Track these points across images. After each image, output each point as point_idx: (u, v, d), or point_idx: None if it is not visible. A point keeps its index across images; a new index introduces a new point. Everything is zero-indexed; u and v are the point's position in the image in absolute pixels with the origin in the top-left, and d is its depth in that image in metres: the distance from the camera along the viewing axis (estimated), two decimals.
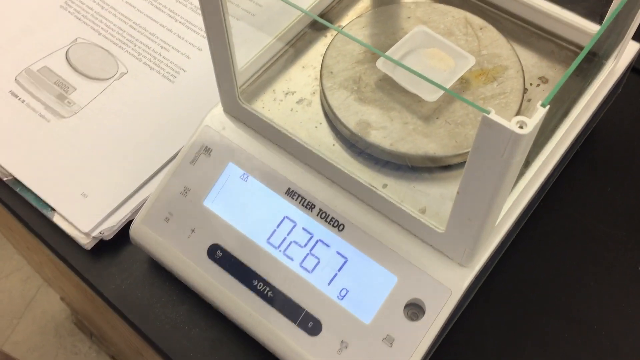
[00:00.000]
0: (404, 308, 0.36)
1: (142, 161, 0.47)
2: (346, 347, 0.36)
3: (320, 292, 0.37)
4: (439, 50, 0.39)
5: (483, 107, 0.26)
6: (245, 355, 0.40)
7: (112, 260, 0.44)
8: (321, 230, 0.38)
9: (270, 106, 0.41)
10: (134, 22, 0.55)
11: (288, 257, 0.38)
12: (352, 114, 0.38)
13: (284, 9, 0.31)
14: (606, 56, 0.41)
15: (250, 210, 0.39)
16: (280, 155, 0.39)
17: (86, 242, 0.44)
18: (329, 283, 0.37)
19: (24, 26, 0.55)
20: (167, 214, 0.41)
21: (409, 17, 0.43)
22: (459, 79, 0.38)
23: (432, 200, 0.37)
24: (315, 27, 0.44)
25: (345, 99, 0.39)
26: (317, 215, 0.38)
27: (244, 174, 0.40)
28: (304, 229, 0.38)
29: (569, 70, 0.27)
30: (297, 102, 0.41)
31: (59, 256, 0.45)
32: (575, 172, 0.47)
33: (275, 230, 0.39)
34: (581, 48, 0.42)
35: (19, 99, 0.51)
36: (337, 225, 0.38)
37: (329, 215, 0.38)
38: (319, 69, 0.41)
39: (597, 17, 0.41)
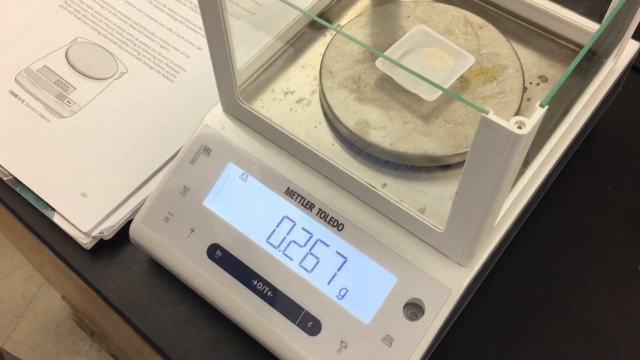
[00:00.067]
0: (404, 308, 0.36)
1: (141, 161, 0.47)
2: (345, 347, 0.36)
3: (320, 291, 0.37)
4: (439, 50, 0.39)
5: (483, 106, 0.26)
6: (245, 355, 0.40)
7: (112, 260, 0.44)
8: (320, 229, 0.38)
9: (269, 106, 0.41)
10: (133, 22, 0.55)
11: (287, 256, 0.38)
12: (352, 113, 0.38)
13: (283, 8, 0.31)
14: (606, 55, 0.41)
15: (250, 209, 0.39)
16: (280, 155, 0.39)
17: (86, 242, 0.44)
18: (329, 283, 0.37)
19: (23, 26, 0.55)
20: (167, 214, 0.41)
21: (408, 16, 0.43)
22: (459, 78, 0.38)
23: (432, 200, 0.37)
24: (315, 26, 0.44)
25: (344, 98, 0.39)
26: (317, 215, 0.38)
27: (243, 173, 0.40)
28: (303, 228, 0.38)
29: (569, 70, 0.27)
30: (296, 102, 0.41)
31: (58, 256, 0.45)
32: (575, 172, 0.47)
33: (274, 230, 0.39)
34: (581, 47, 0.42)
35: (19, 98, 0.51)
36: (336, 224, 0.38)
37: (328, 214, 0.38)
38: (319, 68, 0.41)
39: (597, 16, 0.41)
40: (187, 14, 0.56)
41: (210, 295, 0.39)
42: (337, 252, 0.37)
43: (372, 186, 0.36)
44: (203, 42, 0.54)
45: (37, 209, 0.45)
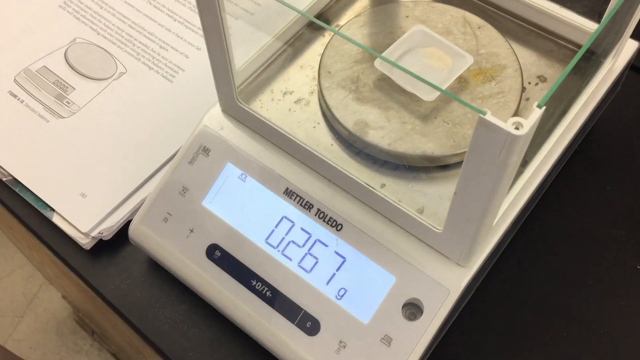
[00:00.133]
0: (402, 308, 0.36)
1: (140, 161, 0.47)
2: (344, 347, 0.36)
3: (319, 291, 0.37)
4: (437, 50, 0.39)
5: (481, 107, 0.26)
6: (244, 354, 0.40)
7: (111, 260, 0.44)
8: (319, 230, 0.38)
9: (268, 106, 0.41)
10: (132, 22, 0.55)
11: (286, 256, 0.38)
12: (350, 113, 0.38)
13: (282, 8, 0.31)
14: (605, 54, 0.41)
15: (249, 210, 0.39)
16: (279, 155, 0.39)
17: (85, 242, 0.44)
18: (327, 283, 0.37)
19: (22, 26, 0.55)
20: (166, 214, 0.41)
21: (407, 16, 0.43)
22: (457, 78, 0.38)
23: (430, 200, 0.37)
24: (314, 26, 0.44)
25: (343, 98, 0.39)
26: (316, 215, 0.38)
27: (242, 174, 0.40)
28: (302, 228, 0.38)
29: (567, 70, 0.27)
30: (295, 102, 0.41)
31: (58, 256, 0.45)
32: (574, 171, 0.47)
33: (273, 230, 0.39)
34: (580, 46, 0.42)
35: (18, 99, 0.51)
36: (335, 225, 0.38)
37: (327, 215, 0.38)
38: (317, 68, 0.41)
39: (596, 16, 0.41)
40: (186, 14, 0.56)
41: (209, 295, 0.40)
42: (336, 252, 0.37)
43: (370, 186, 0.36)
44: (202, 43, 0.54)
45: (36, 209, 0.46)
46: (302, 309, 0.37)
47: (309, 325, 0.37)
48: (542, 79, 0.41)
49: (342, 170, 0.37)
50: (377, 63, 0.39)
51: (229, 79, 0.38)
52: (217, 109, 0.42)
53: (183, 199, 0.41)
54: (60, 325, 1.17)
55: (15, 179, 0.47)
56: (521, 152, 0.27)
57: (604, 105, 0.44)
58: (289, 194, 0.39)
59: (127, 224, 0.44)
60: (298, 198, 0.38)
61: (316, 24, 0.44)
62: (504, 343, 0.40)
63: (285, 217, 0.39)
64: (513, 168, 0.28)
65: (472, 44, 0.41)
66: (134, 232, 0.42)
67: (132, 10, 0.56)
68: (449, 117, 0.38)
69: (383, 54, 0.39)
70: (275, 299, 0.38)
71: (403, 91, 0.38)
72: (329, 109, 0.39)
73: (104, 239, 0.44)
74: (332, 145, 0.39)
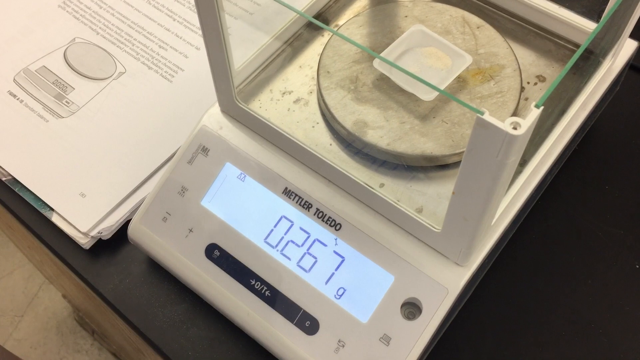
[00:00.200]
0: (401, 307, 0.36)
1: (140, 161, 0.47)
2: (343, 346, 0.36)
3: (318, 291, 0.37)
4: (436, 49, 0.39)
5: (480, 107, 0.26)
6: (243, 354, 0.40)
7: (111, 259, 0.44)
8: (318, 229, 0.38)
9: (267, 106, 0.41)
10: (132, 22, 0.55)
11: (285, 256, 0.38)
12: (349, 113, 0.38)
13: (281, 8, 0.31)
14: (603, 54, 0.41)
15: (248, 209, 0.39)
16: (278, 155, 0.39)
17: (85, 242, 0.44)
18: (326, 282, 0.37)
19: (22, 26, 0.55)
20: (165, 214, 0.41)
21: (406, 16, 0.43)
22: (456, 78, 0.38)
23: (429, 200, 0.37)
24: (313, 26, 0.44)
25: (342, 98, 0.39)
26: (314, 214, 0.38)
27: (241, 173, 0.40)
28: (301, 228, 0.38)
29: (565, 69, 0.27)
30: (294, 102, 0.41)
31: (57, 256, 0.45)
32: (574, 170, 0.47)
33: (272, 230, 0.39)
34: (579, 46, 0.42)
35: (18, 99, 0.51)
36: (334, 224, 0.38)
37: (326, 214, 0.38)
38: (316, 68, 0.41)
39: (595, 16, 0.41)
40: (186, 14, 0.56)
41: (209, 295, 0.40)
42: (335, 252, 0.37)
43: (369, 186, 0.36)
44: (201, 42, 0.54)
45: (35, 209, 0.46)
46: (301, 309, 0.37)
47: (308, 324, 0.37)
48: (541, 78, 0.41)
49: (341, 170, 0.37)
50: (376, 63, 0.39)
51: (228, 79, 0.38)
52: (216, 108, 0.42)
53: (182, 198, 0.41)
54: (60, 324, 1.18)
55: (14, 179, 0.47)
56: (519, 152, 0.27)
57: (603, 104, 0.44)
58: (288, 193, 0.39)
59: (126, 223, 0.45)
60: (297, 198, 0.38)
61: (315, 24, 0.44)
62: (502, 342, 0.40)
63: (284, 217, 0.39)
64: (511, 167, 0.28)
65: (471, 44, 0.41)
66: (133, 231, 0.42)
67: (132, 10, 0.56)
68: (447, 117, 0.38)
69: (382, 54, 0.39)
70: (274, 298, 0.38)
71: (402, 91, 0.38)
72: (328, 109, 0.39)
73: (103, 238, 0.44)
74: (331, 145, 0.39)
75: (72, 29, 0.55)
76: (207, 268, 0.39)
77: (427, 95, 0.37)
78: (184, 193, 0.41)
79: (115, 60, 0.53)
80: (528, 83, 0.41)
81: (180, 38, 0.54)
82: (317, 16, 0.45)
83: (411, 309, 0.36)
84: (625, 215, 0.45)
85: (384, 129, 0.37)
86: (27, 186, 0.46)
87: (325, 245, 0.38)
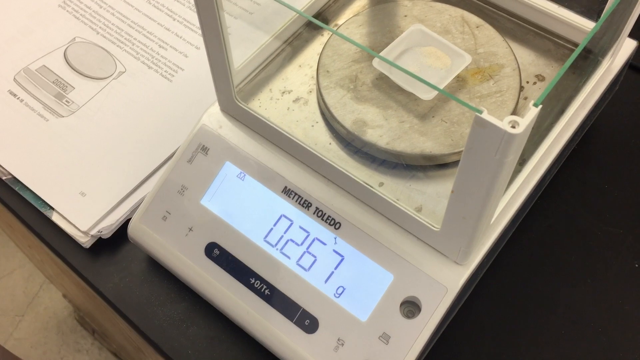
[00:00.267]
0: (400, 306, 0.36)
1: (139, 160, 0.47)
2: (342, 345, 0.36)
3: (317, 290, 0.37)
4: (436, 49, 0.39)
5: (479, 106, 0.26)
6: (243, 352, 0.40)
7: (111, 258, 0.44)
8: (318, 228, 0.38)
9: (266, 105, 0.41)
10: (132, 21, 0.55)
11: (285, 255, 0.38)
12: (349, 112, 0.38)
13: (281, 7, 0.31)
14: (602, 53, 0.41)
15: (247, 208, 0.40)
16: (277, 154, 0.40)
17: (85, 241, 0.44)
18: (326, 281, 0.37)
19: (22, 26, 0.55)
20: (165, 213, 0.41)
21: (405, 16, 0.43)
22: (456, 77, 0.38)
23: (428, 199, 0.37)
24: (312, 26, 0.44)
25: (341, 97, 0.39)
26: (314, 213, 0.38)
27: (240, 172, 0.40)
28: (300, 227, 0.38)
29: (563, 68, 0.27)
30: (293, 101, 0.41)
31: (57, 255, 0.45)
32: (573, 170, 0.47)
33: (272, 229, 0.39)
34: (578, 46, 0.42)
35: (18, 98, 0.51)
36: (333, 223, 0.38)
37: (325, 213, 0.38)
38: (316, 67, 0.41)
39: (594, 15, 0.41)
40: (186, 13, 0.56)
41: (208, 294, 0.40)
42: (334, 251, 0.37)
43: (369, 185, 0.36)
44: (201, 42, 0.54)
45: (36, 208, 0.46)
46: (300, 307, 0.37)
47: (308, 323, 0.37)
48: (540, 78, 0.41)
49: (340, 169, 0.37)
50: (376, 62, 0.39)
51: (228, 78, 0.38)
52: (215, 108, 0.42)
53: (182, 197, 0.41)
54: (60, 324, 1.18)
55: (14, 178, 0.47)
56: (518, 151, 0.27)
57: (603, 104, 0.44)
58: (287, 192, 0.39)
59: (126, 222, 0.45)
60: (296, 197, 0.39)
61: (315, 23, 0.44)
62: (501, 341, 0.41)
63: (284, 216, 0.39)
64: (510, 166, 0.28)
65: (471, 43, 0.41)
66: (133, 230, 0.42)
67: (132, 9, 0.56)
68: (447, 116, 0.38)
69: (381, 53, 0.39)
70: (273, 297, 0.38)
71: (401, 90, 0.38)
72: (328, 108, 0.39)
73: (103, 237, 0.44)
74: (330, 144, 0.39)
75: (72, 28, 0.55)
76: (206, 267, 0.40)
77: (427, 95, 0.37)
78: (183, 192, 0.41)
79: (115, 59, 0.53)
80: (527, 82, 0.41)
81: (180, 37, 0.54)
82: (317, 15, 0.45)
83: (410, 307, 0.36)
84: (625, 215, 0.45)
85: (383, 128, 0.38)
86: (27, 185, 0.46)
87: (324, 244, 0.38)
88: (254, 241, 0.39)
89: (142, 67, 0.52)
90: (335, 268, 0.37)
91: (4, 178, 0.47)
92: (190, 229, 0.40)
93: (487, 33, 0.41)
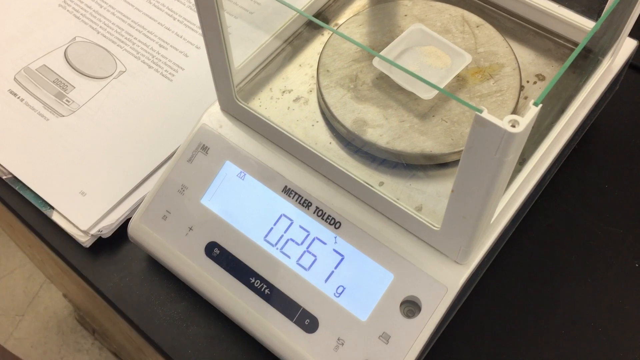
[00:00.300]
0: (400, 305, 0.36)
1: (140, 159, 0.47)
2: (342, 344, 0.36)
3: (317, 289, 0.37)
4: (436, 48, 0.39)
5: (479, 105, 0.26)
6: (243, 352, 0.40)
7: (111, 258, 0.44)
8: (318, 228, 0.38)
9: (267, 104, 0.41)
10: (132, 21, 0.55)
11: (285, 254, 0.38)
12: (349, 112, 0.38)
13: (281, 7, 0.31)
14: (603, 53, 0.41)
15: (247, 208, 0.40)
16: (277, 154, 0.40)
17: (85, 240, 0.44)
18: (326, 280, 0.37)
19: (23, 25, 0.55)
20: (165, 212, 0.41)
21: (405, 15, 0.43)
22: (456, 76, 0.38)
23: (428, 198, 0.37)
24: (312, 25, 0.44)
25: (341, 97, 0.39)
26: (314, 213, 0.38)
27: (241, 172, 0.40)
28: (300, 226, 0.38)
29: (563, 68, 0.27)
30: (293, 101, 0.41)
31: (57, 254, 0.45)
32: (573, 169, 0.47)
33: (272, 228, 0.39)
34: (578, 45, 0.42)
35: (18, 97, 0.51)
36: (333, 223, 0.38)
37: (325, 213, 0.38)
38: (316, 67, 0.41)
39: (595, 15, 0.41)
40: (186, 13, 0.56)
41: (208, 293, 0.40)
42: (334, 250, 0.37)
43: (369, 184, 0.36)
44: (201, 41, 0.54)
45: (36, 207, 0.46)
46: (300, 307, 0.37)
47: (308, 322, 0.37)
48: (540, 77, 0.41)
49: (340, 168, 0.37)
50: (376, 62, 0.39)
51: (228, 78, 0.38)
52: (216, 107, 0.42)
53: (182, 197, 0.41)
54: (61, 323, 1.18)
55: (15, 177, 0.47)
56: (518, 150, 0.27)
57: (603, 103, 0.44)
58: (287, 192, 0.39)
59: (126, 222, 0.45)
60: (297, 196, 0.39)
61: (315, 22, 0.44)
62: (501, 340, 0.40)
63: (284, 215, 0.39)
64: (510, 166, 0.28)
65: (471, 43, 0.41)
66: (133, 230, 0.42)
67: (132, 9, 0.56)
68: (447, 116, 0.38)
69: (381, 53, 0.39)
70: (273, 296, 0.38)
71: (401, 89, 0.38)
72: (328, 108, 0.39)
73: (103, 236, 0.44)
74: (330, 143, 0.39)
75: (73, 28, 0.55)
76: (206, 266, 0.40)
77: (427, 94, 0.37)
78: (183, 191, 0.41)
79: (116, 59, 0.53)
80: (527, 82, 0.41)
81: (181, 37, 0.54)
82: (317, 15, 0.45)
83: (410, 307, 0.36)
84: (625, 214, 0.45)
85: (383, 128, 0.38)
86: (27, 184, 0.46)
87: (324, 243, 0.38)
88: (254, 240, 0.39)
89: (142, 66, 0.52)
90: (335, 267, 0.37)
91: (4, 177, 0.47)
92: (191, 229, 0.40)
93: (487, 32, 0.41)
